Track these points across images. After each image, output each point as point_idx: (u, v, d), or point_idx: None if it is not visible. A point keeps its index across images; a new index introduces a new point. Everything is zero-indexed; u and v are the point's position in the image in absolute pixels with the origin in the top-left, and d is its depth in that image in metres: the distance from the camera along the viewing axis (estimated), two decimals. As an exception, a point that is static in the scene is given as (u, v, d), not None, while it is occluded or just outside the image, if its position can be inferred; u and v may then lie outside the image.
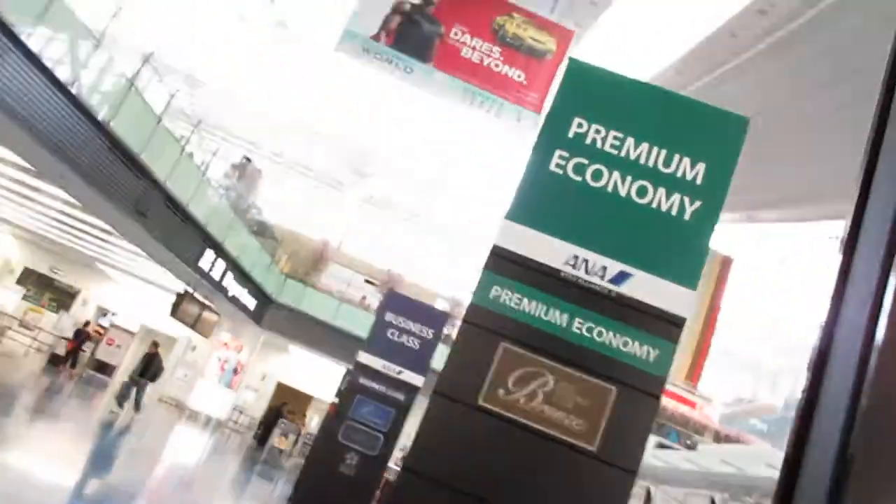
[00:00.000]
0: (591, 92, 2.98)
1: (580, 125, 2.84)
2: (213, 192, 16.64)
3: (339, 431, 8.11)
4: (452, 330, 15.66)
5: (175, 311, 16.96)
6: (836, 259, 0.94)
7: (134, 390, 15.89)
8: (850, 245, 0.91)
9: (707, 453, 12.31)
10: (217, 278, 16.36)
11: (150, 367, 16.38)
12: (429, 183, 25.40)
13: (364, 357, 8.35)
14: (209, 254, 15.52)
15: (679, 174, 2.76)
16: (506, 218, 2.76)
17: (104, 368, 21.73)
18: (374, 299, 21.69)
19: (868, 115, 1.01)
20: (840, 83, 10.23)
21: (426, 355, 8.52)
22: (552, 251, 2.66)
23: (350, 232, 26.41)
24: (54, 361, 19.62)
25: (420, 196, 26.35)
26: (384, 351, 8.37)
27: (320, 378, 21.76)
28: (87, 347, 20.91)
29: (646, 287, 2.60)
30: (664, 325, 2.55)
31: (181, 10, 18.86)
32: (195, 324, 18.02)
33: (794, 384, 27.00)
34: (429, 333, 8.52)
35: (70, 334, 20.44)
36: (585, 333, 2.54)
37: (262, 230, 21.08)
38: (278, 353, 23.19)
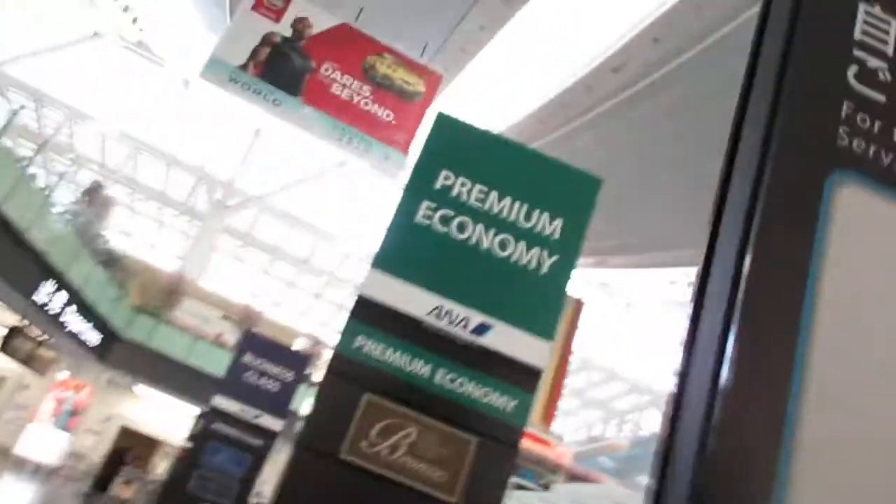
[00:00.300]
0: (458, 146, 3.08)
1: (447, 177, 2.92)
2: (57, 217, 15.44)
3: (189, 480, 7.60)
4: (314, 371, 15.31)
5: (5, 346, 15.47)
6: (685, 306, 0.99)
7: None
8: (699, 294, 0.97)
9: (559, 492, 12.67)
10: (56, 311, 15.09)
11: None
12: (292, 219, 24.97)
13: (219, 400, 7.94)
14: (48, 284, 14.32)
15: (538, 229, 2.89)
16: (372, 266, 2.78)
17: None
18: (232, 336, 20.81)
19: (706, 172, 1.10)
20: (681, 141, 11.22)
21: (286, 398, 8.24)
22: (416, 301, 2.69)
23: (208, 265, 25.33)
24: None
25: (282, 231, 25.83)
26: (241, 393, 7.98)
27: (170, 420, 20.46)
28: None
29: (506, 338, 2.68)
30: (523, 376, 2.64)
31: (29, 23, 17.63)
32: (29, 361, 16.49)
33: (639, 423, 28.63)
34: (289, 376, 8.23)
35: None
36: (447, 384, 2.58)
37: (110, 260, 19.72)
38: (124, 393, 21.62)
